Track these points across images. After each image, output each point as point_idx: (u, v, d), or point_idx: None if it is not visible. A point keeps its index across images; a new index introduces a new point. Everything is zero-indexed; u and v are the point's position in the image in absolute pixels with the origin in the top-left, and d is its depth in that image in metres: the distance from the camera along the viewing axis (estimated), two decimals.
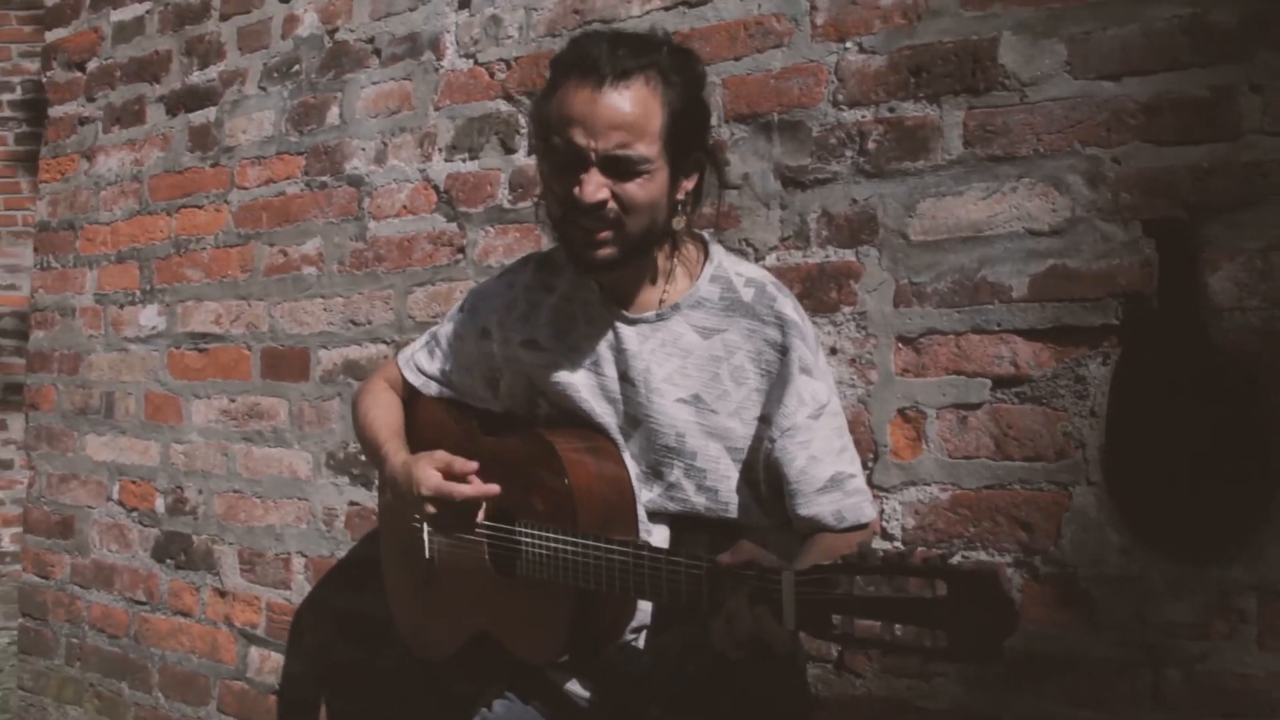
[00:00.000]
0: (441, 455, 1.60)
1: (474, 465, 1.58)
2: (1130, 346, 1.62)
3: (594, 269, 1.54)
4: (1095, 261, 1.64)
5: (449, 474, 1.58)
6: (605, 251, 1.50)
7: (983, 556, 1.70)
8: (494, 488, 1.58)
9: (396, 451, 1.71)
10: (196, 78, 2.91)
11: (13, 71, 5.95)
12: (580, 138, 1.45)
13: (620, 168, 1.46)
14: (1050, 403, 1.67)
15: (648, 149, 1.46)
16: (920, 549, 1.66)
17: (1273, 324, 1.52)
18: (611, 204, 1.47)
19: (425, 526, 1.70)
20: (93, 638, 3.10)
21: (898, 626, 1.12)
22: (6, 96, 6.01)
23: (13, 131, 5.95)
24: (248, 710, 2.69)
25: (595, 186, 1.45)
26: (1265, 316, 1.53)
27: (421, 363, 1.85)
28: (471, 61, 2.36)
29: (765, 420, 1.56)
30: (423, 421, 1.82)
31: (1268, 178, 1.53)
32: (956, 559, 1.54)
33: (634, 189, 1.47)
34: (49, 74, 3.34)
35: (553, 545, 1.52)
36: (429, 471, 1.59)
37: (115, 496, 3.06)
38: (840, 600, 1.17)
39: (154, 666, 2.93)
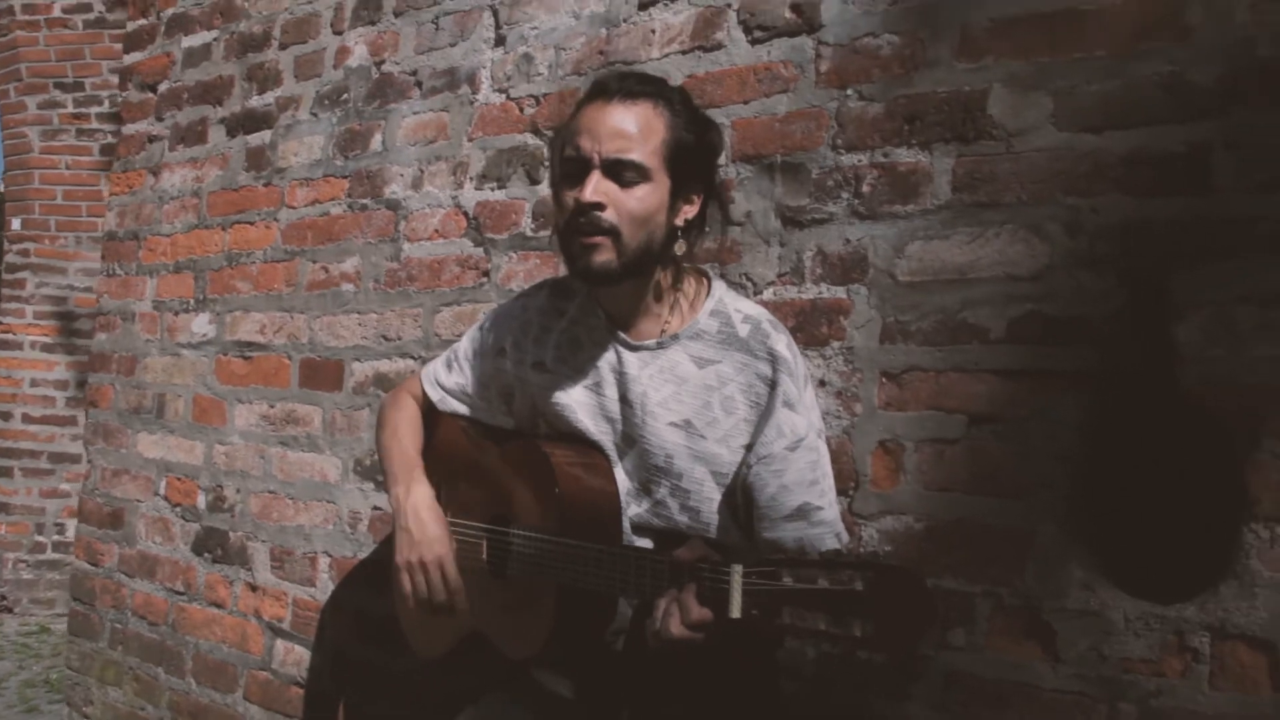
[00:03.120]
0: (452, 562, 1.75)
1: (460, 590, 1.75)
2: (1101, 392, 1.67)
3: (591, 276, 1.61)
4: (1070, 308, 1.70)
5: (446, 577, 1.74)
6: (601, 257, 1.58)
7: (952, 585, 1.76)
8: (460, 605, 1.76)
9: (420, 480, 1.83)
10: (255, 102, 3.08)
11: (102, 86, 6.25)
12: (585, 143, 1.58)
13: (619, 173, 1.57)
14: (1022, 442, 1.72)
15: (646, 159, 1.57)
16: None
17: (1236, 375, 1.56)
18: (610, 210, 1.57)
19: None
20: (134, 624, 3.27)
21: (831, 617, 1.21)
22: (95, 110, 6.31)
23: (99, 142, 6.24)
24: (271, 700, 2.83)
25: (594, 187, 1.56)
26: (1230, 367, 1.57)
27: (440, 377, 1.95)
28: (504, 96, 2.49)
29: (749, 448, 1.63)
30: (439, 436, 1.94)
31: (1236, 233, 1.57)
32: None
33: (631, 199, 1.57)
34: (125, 94, 3.55)
35: (538, 545, 1.63)
36: (439, 557, 1.75)
37: (162, 492, 3.23)
38: (783, 592, 1.26)
39: (188, 654, 3.08)
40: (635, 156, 1.57)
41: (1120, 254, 1.67)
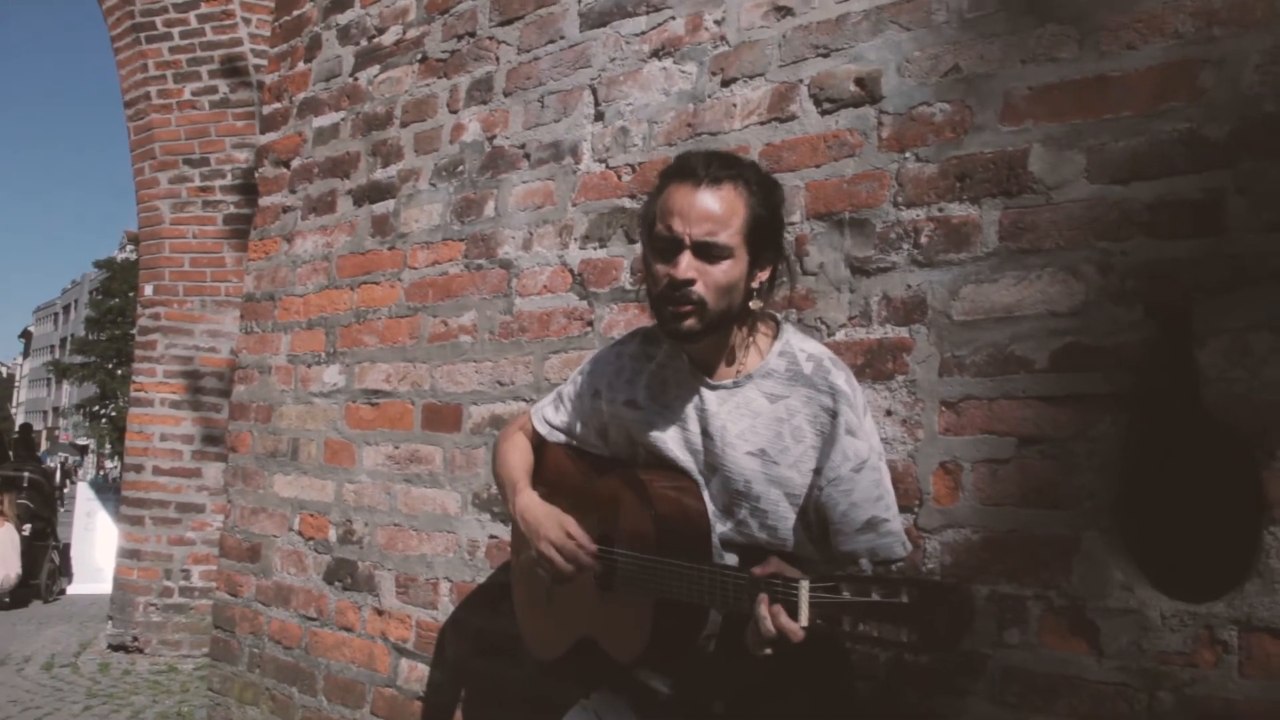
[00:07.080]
0: (571, 521, 1.97)
1: (592, 547, 1.93)
2: (1135, 411, 1.87)
3: (680, 337, 1.86)
4: (1105, 338, 1.91)
5: (570, 536, 1.95)
6: (689, 323, 1.82)
7: (1008, 589, 1.96)
8: (592, 562, 1.94)
9: (526, 489, 2.08)
10: (379, 174, 3.45)
11: (225, 161, 6.74)
12: (678, 225, 1.78)
13: (708, 252, 1.78)
14: (1066, 459, 1.93)
15: (730, 239, 1.79)
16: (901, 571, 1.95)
17: (1253, 393, 1.76)
18: (699, 283, 1.79)
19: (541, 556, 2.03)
20: (270, 648, 3.60)
21: (881, 625, 1.43)
22: (219, 182, 6.79)
23: (222, 213, 6.71)
24: (396, 713, 3.11)
25: (686, 266, 1.77)
26: (1248, 386, 1.76)
27: (549, 415, 2.22)
28: (603, 165, 2.80)
29: (818, 472, 1.85)
30: (548, 463, 2.20)
31: (1249, 268, 1.77)
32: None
33: (717, 272, 1.79)
34: (260, 170, 3.96)
35: (639, 564, 1.86)
36: (556, 526, 1.96)
37: (296, 527, 3.57)
38: (842, 604, 1.48)
39: (320, 674, 3.39)
40: (722, 239, 1.78)
41: (1147, 289, 1.88)
